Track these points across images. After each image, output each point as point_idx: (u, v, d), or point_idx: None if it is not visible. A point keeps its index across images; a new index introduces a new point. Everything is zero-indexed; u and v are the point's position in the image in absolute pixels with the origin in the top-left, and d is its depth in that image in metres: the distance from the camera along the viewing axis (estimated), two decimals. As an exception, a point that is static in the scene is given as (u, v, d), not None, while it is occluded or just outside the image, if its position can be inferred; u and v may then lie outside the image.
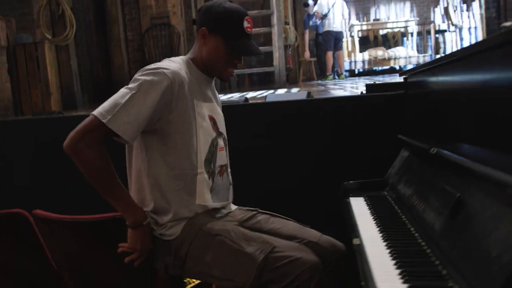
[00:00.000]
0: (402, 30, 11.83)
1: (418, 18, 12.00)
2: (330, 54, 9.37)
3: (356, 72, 11.36)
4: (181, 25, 7.55)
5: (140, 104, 1.70)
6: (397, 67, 11.19)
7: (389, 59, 11.19)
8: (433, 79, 1.98)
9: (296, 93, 3.92)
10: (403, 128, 2.34)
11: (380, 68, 11.58)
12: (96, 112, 1.69)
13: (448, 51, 11.04)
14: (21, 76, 5.31)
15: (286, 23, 7.00)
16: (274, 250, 1.69)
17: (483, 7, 11.90)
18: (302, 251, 1.72)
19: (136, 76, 1.76)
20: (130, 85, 1.73)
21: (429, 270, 1.24)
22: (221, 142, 1.94)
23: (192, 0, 8.04)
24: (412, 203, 1.66)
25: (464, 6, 11.92)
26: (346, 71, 10.30)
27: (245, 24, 1.84)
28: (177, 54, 7.51)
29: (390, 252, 1.41)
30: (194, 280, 2.13)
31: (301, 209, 2.26)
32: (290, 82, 8.12)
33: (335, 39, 9.30)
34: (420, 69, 2.21)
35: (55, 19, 5.38)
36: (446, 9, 11.98)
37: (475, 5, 11.77)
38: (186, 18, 8.23)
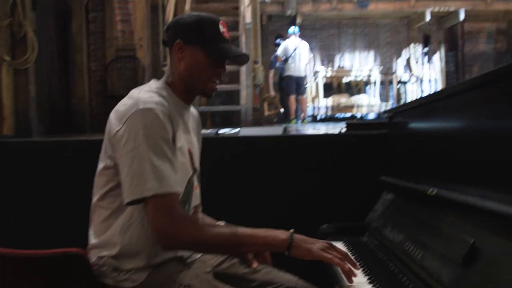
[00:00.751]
0: (365, 78, 11.98)
1: (381, 68, 12.23)
2: (292, 98, 9.34)
3: (319, 118, 11.38)
4: (147, 59, 7.38)
5: (163, 150, 1.50)
6: (359, 115, 11.28)
7: (352, 106, 11.29)
8: (422, 117, 1.87)
9: (271, 128, 3.76)
10: (387, 169, 2.21)
11: (342, 115, 11.65)
12: (144, 192, 1.46)
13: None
14: (-26, 98, 5.02)
15: (256, 62, 6.94)
16: None
17: (443, 60, 12.26)
18: None
19: (124, 127, 1.51)
20: (130, 145, 1.49)
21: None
22: (196, 180, 1.76)
23: (160, 38, 7.90)
24: (406, 250, 1.51)
25: (425, 58, 12.26)
26: (309, 116, 10.30)
27: (221, 28, 1.69)
28: (141, 88, 7.35)
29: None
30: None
31: (276, 252, 2.08)
32: (255, 123, 8.03)
33: (296, 84, 9.26)
34: (405, 107, 2.10)
35: (16, 41, 5.13)
36: (408, 61, 12.27)
37: (436, 58, 12.14)
38: (152, 53, 8.09)
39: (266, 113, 9.38)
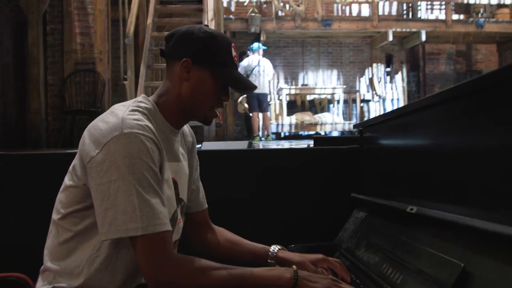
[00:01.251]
0: (329, 97, 12.01)
1: (344, 86, 12.29)
2: (255, 115, 9.35)
3: (283, 135, 11.33)
4: (107, 73, 7.17)
5: (151, 183, 1.31)
6: (323, 133, 11.26)
7: (316, 124, 11.26)
8: (393, 131, 1.76)
9: (235, 142, 3.61)
10: (357, 185, 2.09)
11: (306, 132, 11.61)
12: (130, 231, 1.27)
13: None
14: None
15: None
16: None
17: (405, 80, 12.41)
18: None
19: (103, 153, 1.30)
20: (111, 175, 1.28)
21: None
22: (179, 213, 1.57)
23: (121, 51, 7.69)
24: (383, 272, 1.38)
25: (388, 78, 12.39)
26: (272, 133, 10.24)
27: (233, 52, 1.51)
28: (101, 103, 7.14)
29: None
30: None
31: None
32: (219, 139, 7.86)
33: (258, 100, 9.25)
34: (376, 120, 1.99)
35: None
36: (371, 80, 12.35)
37: (398, 78, 12.27)
38: (112, 67, 7.88)
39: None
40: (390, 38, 11.50)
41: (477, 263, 0.97)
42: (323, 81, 13.13)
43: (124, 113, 1.36)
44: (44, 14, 7.16)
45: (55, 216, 1.45)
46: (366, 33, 12.15)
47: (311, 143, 7.10)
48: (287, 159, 2.35)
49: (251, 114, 9.50)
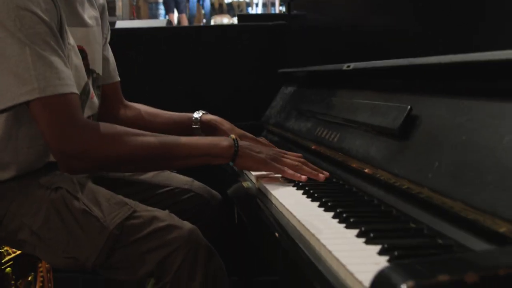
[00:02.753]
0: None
1: (263, -12, 11.95)
2: (171, 16, 8.99)
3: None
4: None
5: (46, 39, 1.08)
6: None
7: (234, 27, 10.98)
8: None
9: (153, 20, 3.35)
10: (286, 62, 1.98)
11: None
12: (24, 95, 1.05)
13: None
14: None
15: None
16: (134, 214, 1.18)
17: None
18: (173, 218, 1.23)
19: None
20: (1, 33, 1.06)
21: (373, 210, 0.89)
22: (92, 86, 1.36)
23: None
24: (317, 136, 1.30)
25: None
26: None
27: None
28: None
29: (306, 193, 1.04)
30: (12, 249, 1.52)
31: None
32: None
33: (175, 1, 8.89)
34: None
35: None
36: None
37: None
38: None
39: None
40: None
41: (426, 105, 0.89)
42: (241, -17, 12.68)
43: None
44: None
45: None
46: None
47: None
48: (210, 37, 2.18)
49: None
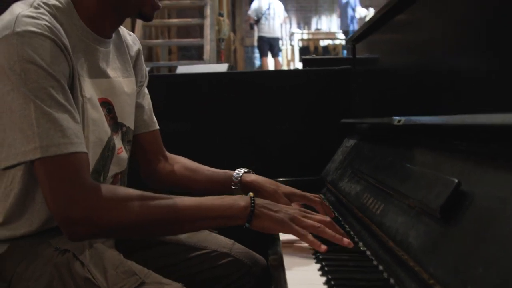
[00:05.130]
0: (344, 42, 11.53)
1: (359, 31, 11.76)
2: (265, 60, 9.13)
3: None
4: None
5: (51, 94, 0.99)
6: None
7: (329, 70, 10.86)
8: (392, 41, 1.43)
9: (214, 65, 3.28)
10: (350, 111, 1.79)
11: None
12: (27, 155, 0.97)
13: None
14: None
15: (220, 14, 6.41)
16: (142, 287, 1.04)
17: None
18: None
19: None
20: (7, 86, 0.98)
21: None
22: (119, 140, 1.26)
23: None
24: (363, 204, 1.09)
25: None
26: (284, 79, 9.91)
27: None
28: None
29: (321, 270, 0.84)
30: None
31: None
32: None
33: (270, 45, 9.03)
34: (370, 23, 1.64)
35: None
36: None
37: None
38: None
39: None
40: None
41: (483, 179, 0.67)
42: (337, 26, 12.59)
43: (23, 10, 1.04)
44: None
45: None
46: (383, -27, 11.51)
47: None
48: (268, 83, 2.02)
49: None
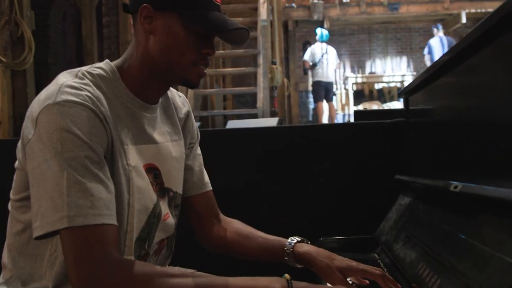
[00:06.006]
0: (398, 85, 11.40)
1: (415, 73, 11.61)
2: (320, 104, 9.17)
3: (350, 126, 10.89)
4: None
5: (86, 164, 1.00)
6: (392, 123, 10.69)
7: (384, 114, 10.72)
8: (447, 93, 1.37)
9: (264, 119, 3.27)
10: (404, 166, 1.72)
11: (374, 123, 11.07)
12: (56, 223, 0.96)
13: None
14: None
15: (273, 62, 6.48)
16: None
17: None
18: None
19: (36, 130, 1.01)
20: (40, 156, 0.99)
21: None
22: (166, 206, 1.24)
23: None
24: (418, 274, 1.02)
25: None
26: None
27: None
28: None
29: None
30: None
31: (263, 270, 1.59)
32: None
33: (325, 89, 9.08)
34: (425, 76, 1.58)
35: (13, 41, 4.78)
36: (443, 66, 11.62)
37: (474, 63, 11.47)
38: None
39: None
40: (464, 20, 10.73)
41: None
42: (392, 69, 12.50)
43: (67, 80, 1.06)
44: (99, 6, 7.13)
45: (10, 202, 1.18)
46: (437, 16, 11.40)
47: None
48: (318, 137, 1.99)
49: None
